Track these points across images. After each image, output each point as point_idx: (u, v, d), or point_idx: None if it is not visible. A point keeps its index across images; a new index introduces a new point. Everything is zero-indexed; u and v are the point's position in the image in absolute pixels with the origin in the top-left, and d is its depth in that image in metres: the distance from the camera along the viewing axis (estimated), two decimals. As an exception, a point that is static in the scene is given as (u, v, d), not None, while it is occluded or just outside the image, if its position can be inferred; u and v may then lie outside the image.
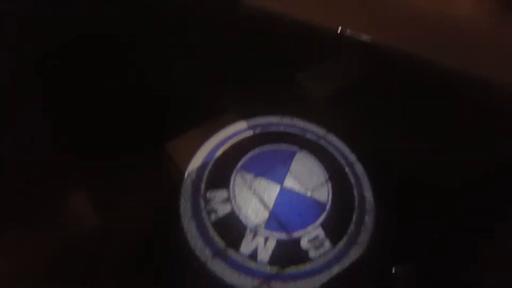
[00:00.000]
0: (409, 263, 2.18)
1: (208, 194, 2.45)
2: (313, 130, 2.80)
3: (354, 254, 2.24)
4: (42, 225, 2.25)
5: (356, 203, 2.45)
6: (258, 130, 2.77)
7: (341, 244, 2.28)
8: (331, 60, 3.35)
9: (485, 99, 2.94)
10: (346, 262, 2.21)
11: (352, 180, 2.55)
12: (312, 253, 2.24)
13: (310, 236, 2.31)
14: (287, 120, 2.84)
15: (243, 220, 2.35)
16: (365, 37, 3.28)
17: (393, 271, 2.15)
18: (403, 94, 3.05)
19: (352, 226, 2.36)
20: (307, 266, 2.19)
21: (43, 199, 2.36)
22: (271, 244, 2.27)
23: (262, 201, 2.44)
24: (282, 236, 2.30)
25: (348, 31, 3.31)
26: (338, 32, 3.31)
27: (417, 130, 2.82)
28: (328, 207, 2.44)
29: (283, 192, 2.49)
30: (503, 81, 2.91)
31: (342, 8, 3.52)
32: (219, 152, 2.64)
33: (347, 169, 2.60)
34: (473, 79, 2.99)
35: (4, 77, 2.90)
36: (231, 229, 2.31)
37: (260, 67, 3.18)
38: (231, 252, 2.22)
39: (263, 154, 2.66)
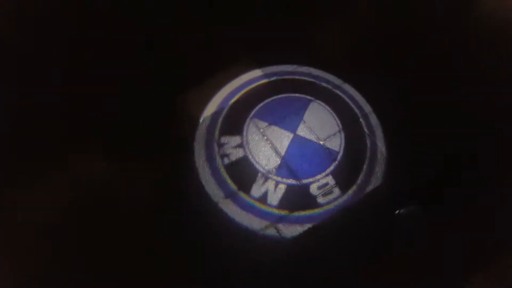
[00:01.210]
0: (416, 208, 2.21)
1: (222, 140, 2.51)
2: (329, 79, 2.75)
3: (363, 202, 2.29)
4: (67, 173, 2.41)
5: (368, 154, 2.46)
6: (273, 79, 2.75)
7: (350, 192, 2.34)
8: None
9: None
10: (353, 209, 2.27)
11: (366, 131, 2.54)
12: (320, 199, 2.31)
13: (320, 183, 2.36)
14: (302, 69, 2.80)
15: (255, 165, 2.43)
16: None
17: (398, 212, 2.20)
18: (421, 44, 2.91)
19: (362, 176, 2.39)
20: (315, 211, 2.28)
21: (61, 150, 2.49)
22: (281, 189, 2.34)
23: (274, 148, 2.48)
24: (292, 182, 2.37)
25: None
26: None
27: (433, 83, 2.71)
28: (339, 156, 2.46)
29: (296, 140, 2.52)
30: None
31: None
32: (233, 100, 2.67)
33: (361, 119, 2.58)
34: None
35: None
36: (243, 173, 2.40)
37: (277, 15, 3.08)
38: (242, 194, 2.33)
39: (277, 102, 2.66)
